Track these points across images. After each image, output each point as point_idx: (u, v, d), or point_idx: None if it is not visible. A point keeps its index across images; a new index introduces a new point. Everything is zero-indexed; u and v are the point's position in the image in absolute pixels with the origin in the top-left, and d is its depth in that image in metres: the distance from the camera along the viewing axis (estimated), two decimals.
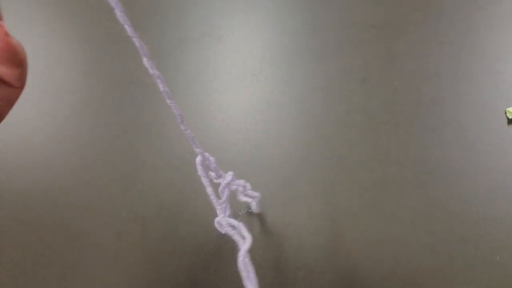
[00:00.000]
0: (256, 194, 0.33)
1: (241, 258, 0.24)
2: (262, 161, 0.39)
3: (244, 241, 0.25)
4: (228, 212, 0.28)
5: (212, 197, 0.28)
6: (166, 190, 0.39)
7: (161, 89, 0.21)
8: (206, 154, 0.27)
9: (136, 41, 0.19)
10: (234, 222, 0.27)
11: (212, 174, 0.29)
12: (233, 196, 0.32)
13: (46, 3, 0.52)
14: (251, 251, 0.33)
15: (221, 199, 0.28)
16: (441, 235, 0.34)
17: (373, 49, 0.44)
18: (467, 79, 0.41)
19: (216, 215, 0.28)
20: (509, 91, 0.40)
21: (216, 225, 0.28)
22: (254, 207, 0.35)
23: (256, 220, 0.36)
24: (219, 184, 0.29)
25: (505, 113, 0.39)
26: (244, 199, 0.34)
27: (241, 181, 0.31)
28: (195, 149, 0.26)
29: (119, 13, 0.18)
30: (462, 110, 0.40)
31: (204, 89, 0.44)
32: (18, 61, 0.20)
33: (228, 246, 0.36)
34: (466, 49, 0.43)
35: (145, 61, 0.20)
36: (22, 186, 0.40)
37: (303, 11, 0.48)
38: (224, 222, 0.27)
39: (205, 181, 0.28)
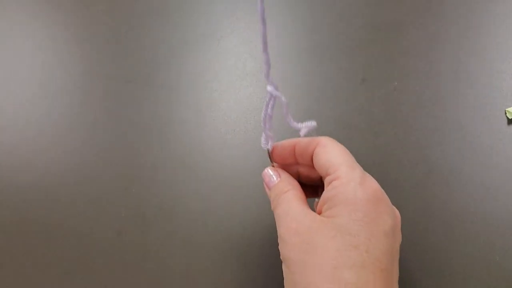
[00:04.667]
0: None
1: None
2: (262, 162, 0.39)
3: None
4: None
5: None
6: (166, 190, 0.39)
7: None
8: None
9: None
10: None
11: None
12: None
13: (45, 4, 0.52)
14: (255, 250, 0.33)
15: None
16: (441, 235, 0.34)
17: (373, 49, 0.44)
18: (467, 79, 0.41)
19: None
20: (509, 91, 0.40)
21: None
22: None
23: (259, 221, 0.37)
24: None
25: (505, 113, 0.39)
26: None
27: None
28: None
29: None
30: (462, 110, 0.40)
31: (204, 89, 0.44)
32: None
33: (227, 247, 0.36)
34: (466, 49, 0.43)
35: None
36: (21, 186, 0.40)
37: (303, 11, 0.48)
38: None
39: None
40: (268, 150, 0.29)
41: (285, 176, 0.28)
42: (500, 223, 0.34)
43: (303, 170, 0.30)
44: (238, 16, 0.48)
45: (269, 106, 0.27)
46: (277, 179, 0.28)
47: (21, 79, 0.47)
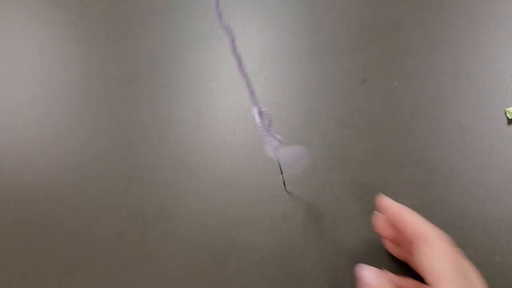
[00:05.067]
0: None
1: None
2: (262, 162, 0.39)
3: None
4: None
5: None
6: (166, 190, 0.39)
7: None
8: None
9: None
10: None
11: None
12: None
13: (45, 4, 0.52)
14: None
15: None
16: None
17: (373, 49, 0.44)
18: (467, 79, 0.41)
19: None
20: (509, 91, 0.40)
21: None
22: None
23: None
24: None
25: (505, 113, 0.39)
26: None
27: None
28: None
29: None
30: (462, 110, 0.40)
31: (204, 89, 0.44)
32: None
33: (227, 247, 0.36)
34: (466, 49, 0.43)
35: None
36: (21, 186, 0.40)
37: (303, 11, 0.48)
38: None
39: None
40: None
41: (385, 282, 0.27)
42: (500, 223, 0.34)
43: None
44: (238, 16, 0.48)
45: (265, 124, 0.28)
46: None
47: (21, 79, 0.47)
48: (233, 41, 0.21)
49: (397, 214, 0.28)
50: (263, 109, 0.27)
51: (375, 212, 0.31)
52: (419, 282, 0.28)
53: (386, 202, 0.29)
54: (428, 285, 0.24)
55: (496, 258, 0.33)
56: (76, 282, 0.35)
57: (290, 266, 0.35)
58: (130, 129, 0.42)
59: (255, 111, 0.26)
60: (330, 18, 0.47)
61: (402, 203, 0.36)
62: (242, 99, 0.43)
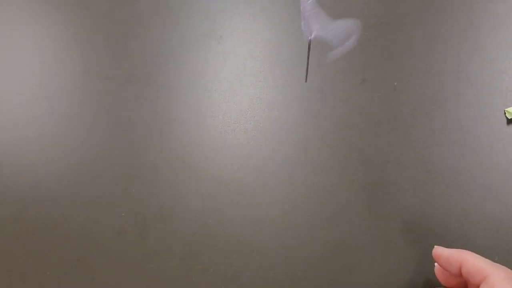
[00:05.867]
0: None
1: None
2: (262, 162, 0.39)
3: None
4: None
5: None
6: (166, 190, 0.39)
7: None
8: None
9: None
10: None
11: None
12: None
13: (45, 4, 0.52)
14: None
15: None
16: (441, 236, 0.34)
17: (373, 49, 0.44)
18: (467, 79, 0.41)
19: None
20: (509, 91, 0.40)
21: None
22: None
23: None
24: None
25: (505, 113, 0.39)
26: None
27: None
28: None
29: None
30: (462, 110, 0.40)
31: (204, 89, 0.44)
32: None
33: (227, 247, 0.36)
34: (466, 49, 0.43)
35: None
36: (21, 186, 0.40)
37: None
38: None
39: None
40: (309, 42, 0.27)
41: None
42: (500, 223, 0.34)
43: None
44: (238, 16, 0.48)
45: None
46: None
47: (21, 79, 0.47)
48: None
49: (453, 258, 0.27)
50: None
51: (435, 265, 0.30)
52: None
53: (438, 250, 0.29)
54: None
55: (495, 258, 0.33)
56: (76, 282, 0.35)
57: (290, 266, 0.35)
58: (130, 129, 0.42)
59: None
60: None
61: (402, 203, 0.36)
62: (242, 99, 0.43)
